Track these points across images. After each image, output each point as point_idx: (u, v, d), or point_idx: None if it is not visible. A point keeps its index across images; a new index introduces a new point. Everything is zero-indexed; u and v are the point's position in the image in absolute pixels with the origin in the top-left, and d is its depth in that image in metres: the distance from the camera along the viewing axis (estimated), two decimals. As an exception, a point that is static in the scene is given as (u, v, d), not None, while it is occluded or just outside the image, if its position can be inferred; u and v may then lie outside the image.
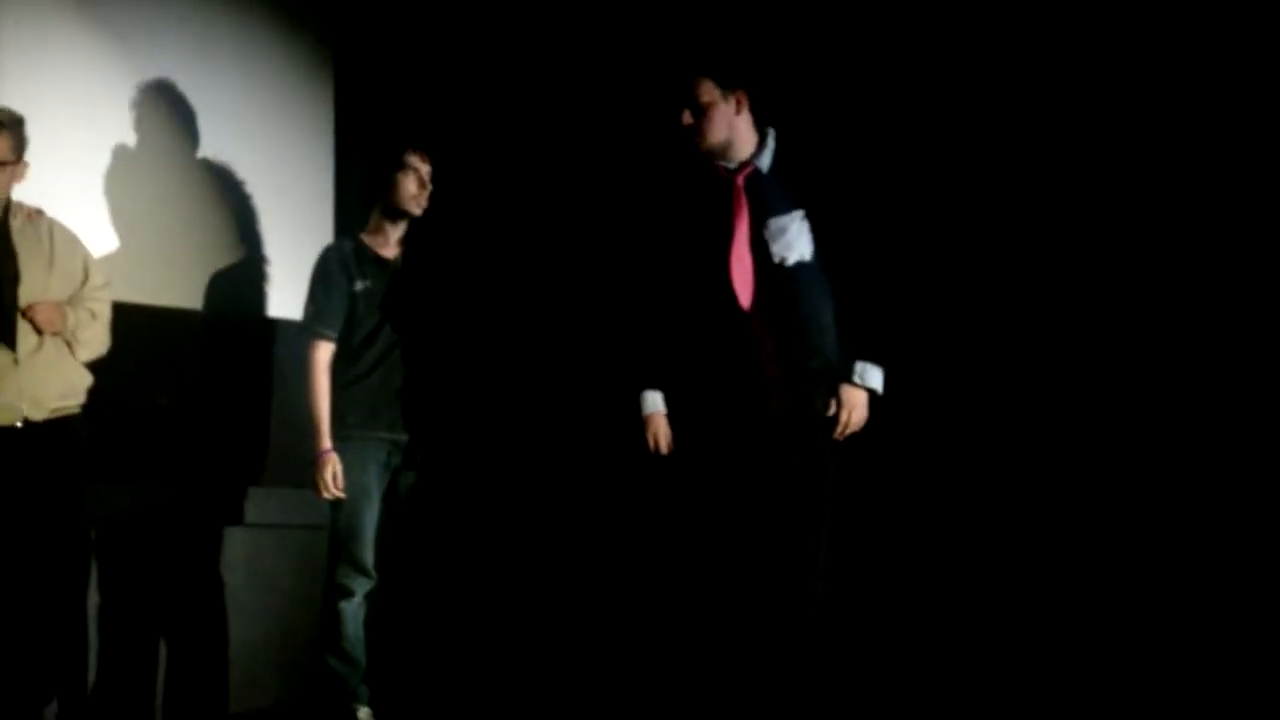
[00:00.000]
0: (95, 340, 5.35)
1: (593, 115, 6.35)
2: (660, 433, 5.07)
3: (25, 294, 5.18)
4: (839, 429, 4.86)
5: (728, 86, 4.99)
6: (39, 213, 5.33)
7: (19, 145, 5.24)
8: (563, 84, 6.48)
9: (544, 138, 6.50)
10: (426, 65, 6.64)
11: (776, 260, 4.94)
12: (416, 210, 5.62)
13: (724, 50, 5.22)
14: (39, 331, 5.18)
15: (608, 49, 6.34)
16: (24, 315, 5.16)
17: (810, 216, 4.96)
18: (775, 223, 4.97)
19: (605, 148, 6.25)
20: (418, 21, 6.69)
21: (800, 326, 4.92)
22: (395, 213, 5.64)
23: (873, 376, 4.87)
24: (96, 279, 5.40)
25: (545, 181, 6.48)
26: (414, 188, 5.59)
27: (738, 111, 5.00)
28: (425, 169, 5.61)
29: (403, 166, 5.58)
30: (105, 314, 5.39)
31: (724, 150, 5.02)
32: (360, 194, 5.94)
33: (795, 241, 4.96)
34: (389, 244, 5.67)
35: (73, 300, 5.31)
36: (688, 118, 4.98)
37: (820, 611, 4.84)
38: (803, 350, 4.92)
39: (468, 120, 6.56)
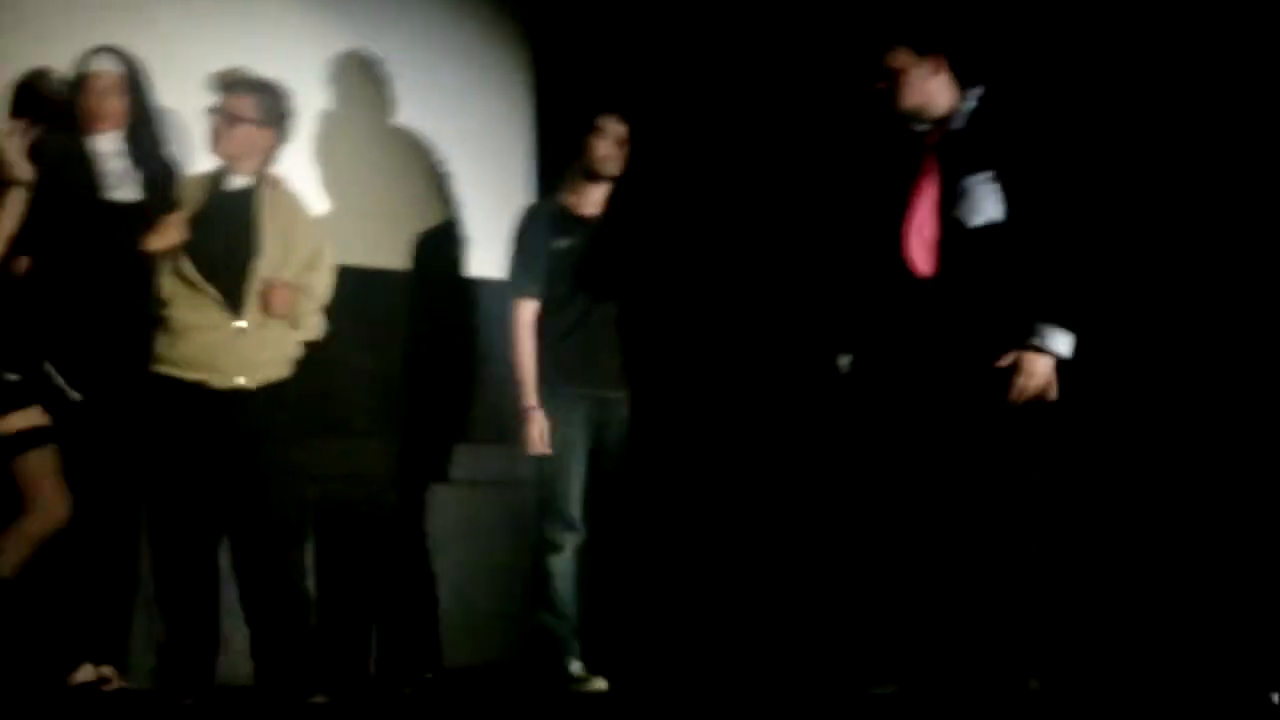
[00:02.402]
0: (316, 324, 5.39)
1: (786, 79, 6.28)
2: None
3: (260, 269, 5.25)
4: (1014, 393, 4.72)
5: (923, 51, 4.95)
6: (278, 182, 5.41)
7: (264, 109, 5.31)
8: (757, 47, 6.41)
9: (739, 101, 6.45)
10: (623, 27, 6.62)
11: (960, 223, 4.86)
12: (612, 170, 5.68)
13: (920, 13, 5.14)
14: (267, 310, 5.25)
15: (798, 12, 6.27)
16: (259, 292, 5.23)
17: (1003, 177, 4.85)
18: (962, 184, 4.87)
19: (798, 110, 6.20)
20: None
21: (988, 292, 4.83)
22: (592, 173, 5.70)
23: (1057, 340, 4.72)
24: (327, 260, 5.44)
25: (741, 145, 6.43)
26: (606, 149, 5.65)
27: (934, 74, 4.96)
28: (620, 130, 5.66)
29: (596, 129, 5.65)
30: (325, 298, 5.42)
31: (918, 113, 4.98)
32: (561, 154, 5.96)
33: (981, 203, 4.85)
34: (588, 203, 5.73)
35: (301, 280, 5.35)
36: (883, 83, 4.96)
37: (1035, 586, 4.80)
38: (992, 317, 4.82)
39: (664, 82, 6.54)
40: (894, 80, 4.94)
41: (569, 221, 5.70)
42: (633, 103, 5.84)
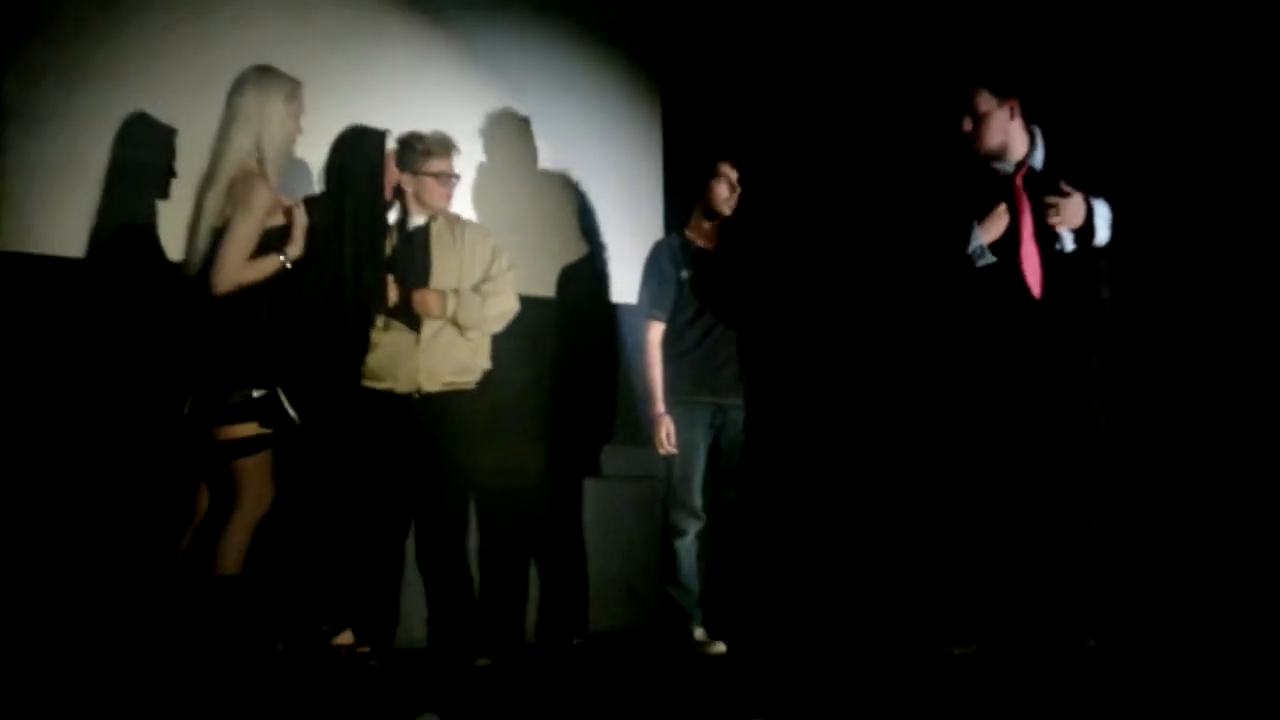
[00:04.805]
0: (480, 318, 5.62)
1: (882, 126, 6.54)
2: None
3: (437, 285, 5.58)
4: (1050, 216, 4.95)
5: (1002, 95, 5.15)
6: (457, 217, 5.73)
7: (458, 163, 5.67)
8: (854, 100, 6.69)
9: (837, 145, 6.72)
10: (740, 84, 6.98)
11: (1059, 250, 5.08)
12: (727, 211, 6.09)
13: (998, 61, 5.36)
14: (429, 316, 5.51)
15: (891, 70, 6.54)
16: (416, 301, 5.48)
17: (1095, 208, 5.06)
18: (1055, 215, 5.04)
19: (890, 154, 6.45)
20: (731, 46, 7.03)
21: (1084, 312, 5.09)
22: (711, 213, 6.13)
23: (1101, 221, 5.00)
24: (502, 262, 5.74)
25: (839, 184, 6.72)
26: (725, 191, 6.08)
27: (1011, 117, 5.17)
28: (734, 175, 6.06)
29: (715, 174, 6.08)
30: (496, 307, 5.68)
31: (1000, 153, 5.19)
32: (686, 195, 6.32)
33: (1077, 230, 5.08)
34: (708, 238, 6.14)
35: (482, 284, 5.63)
36: (967, 125, 5.16)
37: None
38: (1088, 337, 5.08)
39: (774, 131, 6.85)
40: (978, 123, 5.15)
41: (691, 254, 6.10)
42: (747, 150, 6.17)
